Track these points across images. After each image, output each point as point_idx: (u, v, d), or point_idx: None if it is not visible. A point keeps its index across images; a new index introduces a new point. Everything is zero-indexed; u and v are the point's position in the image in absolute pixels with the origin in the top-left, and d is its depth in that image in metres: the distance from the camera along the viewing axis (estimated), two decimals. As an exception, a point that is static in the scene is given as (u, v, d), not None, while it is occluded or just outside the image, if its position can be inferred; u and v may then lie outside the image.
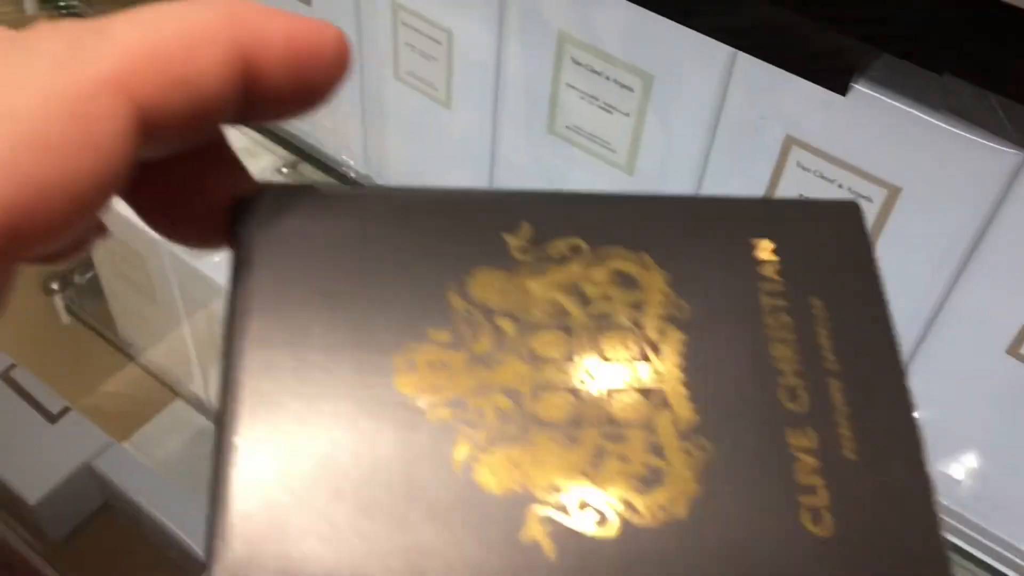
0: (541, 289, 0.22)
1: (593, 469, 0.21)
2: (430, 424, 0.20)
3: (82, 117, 0.16)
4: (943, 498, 0.50)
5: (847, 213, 0.24)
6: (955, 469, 0.51)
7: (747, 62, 0.45)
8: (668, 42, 0.46)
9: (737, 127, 0.47)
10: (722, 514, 0.21)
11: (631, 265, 0.23)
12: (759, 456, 0.21)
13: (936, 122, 0.41)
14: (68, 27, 0.18)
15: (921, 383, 0.48)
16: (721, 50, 0.45)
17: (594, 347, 0.22)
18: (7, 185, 0.15)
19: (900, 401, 0.22)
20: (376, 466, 0.20)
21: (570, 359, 0.22)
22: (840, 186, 0.46)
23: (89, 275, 0.83)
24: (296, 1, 0.58)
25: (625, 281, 0.23)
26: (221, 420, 0.20)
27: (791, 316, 0.23)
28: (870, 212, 0.45)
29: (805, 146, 0.45)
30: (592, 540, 0.20)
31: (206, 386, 0.79)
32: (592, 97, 0.50)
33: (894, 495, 0.21)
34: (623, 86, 0.49)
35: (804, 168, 0.46)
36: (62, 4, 0.75)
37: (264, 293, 0.21)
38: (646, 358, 0.22)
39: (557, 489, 0.21)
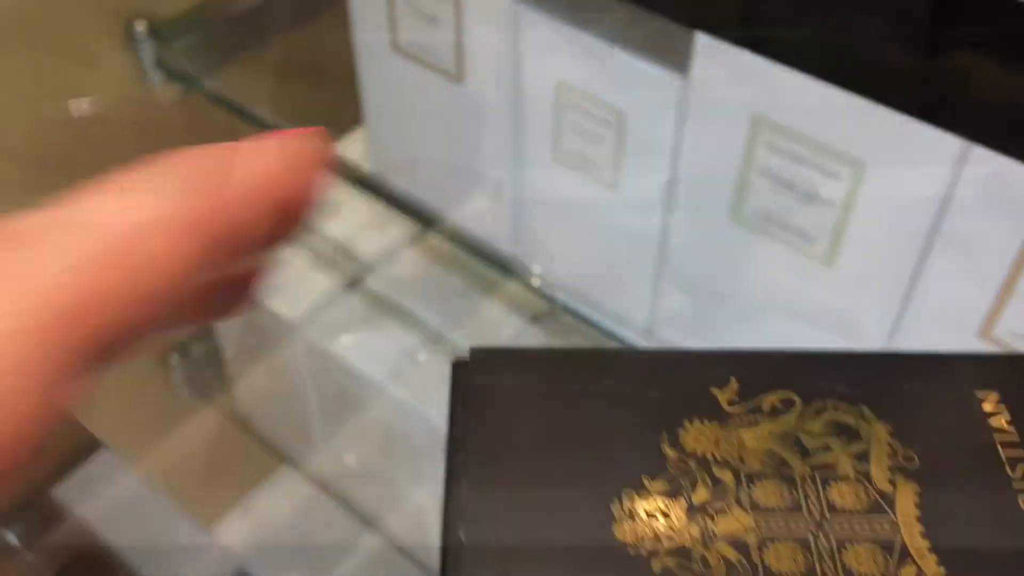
0: (756, 440, 0.22)
1: None
2: (654, 573, 0.20)
3: None
4: None
5: None
6: None
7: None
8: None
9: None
10: None
11: (849, 417, 0.22)
12: None
13: None
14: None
15: None
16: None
17: (821, 498, 0.21)
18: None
19: None
20: None
21: (796, 509, 0.21)
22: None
23: (206, 345, 0.80)
24: (446, 81, 0.55)
25: (845, 432, 0.22)
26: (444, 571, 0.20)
27: None
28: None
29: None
30: None
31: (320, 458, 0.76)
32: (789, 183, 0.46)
33: None
34: (827, 173, 0.44)
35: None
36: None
37: (479, 452, 0.22)
38: (880, 509, 0.21)
39: None
